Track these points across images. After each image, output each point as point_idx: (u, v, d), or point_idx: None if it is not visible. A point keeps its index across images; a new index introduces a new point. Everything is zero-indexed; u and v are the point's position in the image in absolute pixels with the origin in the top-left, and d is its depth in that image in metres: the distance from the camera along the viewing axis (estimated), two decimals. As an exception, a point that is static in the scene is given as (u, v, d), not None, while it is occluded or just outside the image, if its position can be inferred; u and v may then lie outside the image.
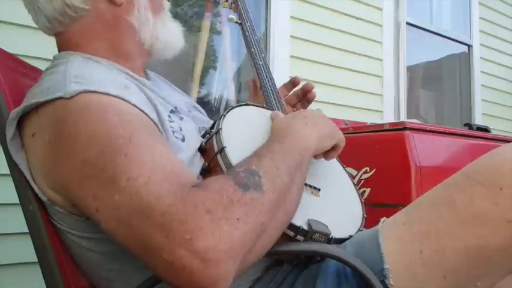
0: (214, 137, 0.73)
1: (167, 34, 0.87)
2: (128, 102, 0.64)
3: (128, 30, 0.82)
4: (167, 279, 0.52)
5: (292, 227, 0.67)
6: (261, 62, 1.05)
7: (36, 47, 1.49)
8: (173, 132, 0.74)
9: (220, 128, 0.74)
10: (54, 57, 0.80)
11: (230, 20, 1.14)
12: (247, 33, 1.10)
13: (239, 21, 1.13)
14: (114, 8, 0.80)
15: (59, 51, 0.82)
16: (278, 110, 0.93)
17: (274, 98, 0.98)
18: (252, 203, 0.54)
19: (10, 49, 0.86)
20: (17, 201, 0.73)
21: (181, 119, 0.81)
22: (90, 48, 0.79)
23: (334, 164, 0.94)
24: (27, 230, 0.73)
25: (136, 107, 0.65)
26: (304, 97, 1.09)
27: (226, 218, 0.51)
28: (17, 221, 0.95)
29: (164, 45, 0.87)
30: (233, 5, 1.17)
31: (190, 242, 0.49)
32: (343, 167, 0.95)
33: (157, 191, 0.53)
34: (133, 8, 0.82)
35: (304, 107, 1.10)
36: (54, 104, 0.63)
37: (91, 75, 0.68)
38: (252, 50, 1.07)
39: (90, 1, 0.78)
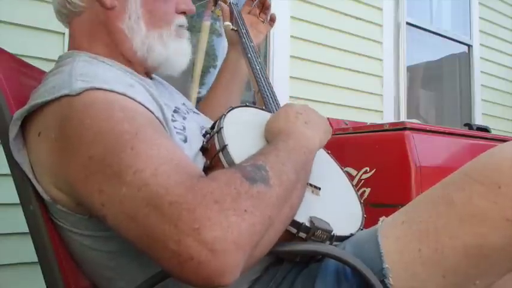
0: (215, 136, 0.74)
1: (165, 50, 0.84)
2: (133, 99, 0.65)
3: (119, 35, 0.81)
4: (174, 271, 0.51)
5: (294, 223, 0.67)
6: (258, 67, 1.06)
7: (36, 47, 1.49)
8: (176, 133, 0.74)
9: (222, 127, 0.74)
10: (59, 57, 0.81)
11: (226, 27, 1.16)
12: (243, 40, 1.12)
13: (235, 28, 1.15)
14: (106, 11, 0.81)
15: (69, 42, 0.84)
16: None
17: (272, 101, 1.00)
18: (259, 196, 0.54)
19: (10, 49, 0.87)
20: (17, 201, 0.73)
21: (184, 118, 0.82)
22: (92, 47, 0.80)
23: (331, 163, 0.95)
24: (27, 230, 0.73)
25: (142, 105, 0.65)
26: (264, 6, 1.24)
27: (234, 209, 0.51)
28: (17, 221, 0.95)
29: (163, 60, 0.85)
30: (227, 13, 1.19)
31: (198, 232, 0.49)
32: (341, 167, 0.96)
33: (165, 182, 0.53)
34: (125, 14, 0.81)
35: (266, 13, 1.24)
36: (60, 101, 0.63)
37: (97, 73, 0.69)
38: (249, 55, 1.08)
39: (88, 1, 0.80)
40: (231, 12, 1.18)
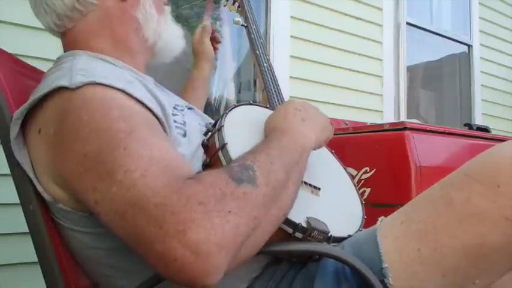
0: (216, 134, 0.74)
1: (169, 34, 0.90)
2: (130, 96, 0.65)
3: (133, 25, 0.85)
4: (160, 271, 0.52)
5: (290, 223, 0.67)
6: (265, 64, 1.08)
7: (36, 47, 1.49)
8: (176, 127, 0.75)
9: (223, 125, 0.74)
10: (58, 57, 0.81)
11: (236, 22, 1.18)
12: (252, 36, 1.14)
13: (245, 24, 1.17)
14: (121, 3, 0.83)
15: (65, 50, 0.83)
16: None
17: (277, 99, 1.00)
18: (244, 197, 0.54)
19: (10, 49, 0.87)
20: (17, 201, 0.73)
21: (183, 114, 0.82)
22: (95, 46, 0.80)
23: (334, 164, 0.95)
24: (27, 230, 0.73)
25: (140, 101, 0.66)
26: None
27: (218, 211, 0.51)
28: (17, 221, 0.95)
29: (165, 45, 0.90)
30: (239, 9, 1.20)
31: (182, 234, 0.49)
32: (344, 167, 0.95)
33: (153, 183, 0.53)
34: (139, 2, 0.85)
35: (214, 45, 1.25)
36: (60, 95, 0.64)
37: (96, 69, 0.70)
38: (257, 52, 1.10)
39: None
40: (243, 8, 1.20)
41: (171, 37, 0.91)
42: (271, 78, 1.05)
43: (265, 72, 1.07)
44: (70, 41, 0.83)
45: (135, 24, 0.85)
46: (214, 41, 1.25)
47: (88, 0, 0.80)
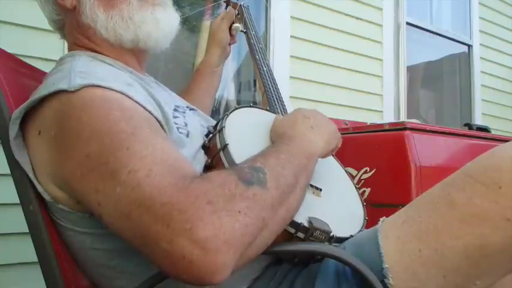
0: (217, 135, 0.75)
1: (129, 26, 0.82)
2: (130, 98, 0.65)
3: (89, 30, 0.83)
4: (166, 269, 0.52)
5: (293, 223, 0.68)
6: (265, 68, 1.09)
7: (36, 47, 1.49)
8: (178, 128, 0.75)
9: (224, 127, 0.75)
10: (60, 58, 0.82)
11: (235, 28, 1.18)
12: (251, 41, 1.15)
13: (244, 30, 1.18)
14: (72, 13, 0.84)
15: (68, 50, 0.88)
16: (281, 113, 0.96)
17: (277, 103, 1.01)
18: (254, 198, 0.55)
19: (10, 49, 0.87)
20: (17, 201, 0.73)
21: (184, 115, 0.82)
22: (87, 50, 0.83)
23: (335, 165, 0.95)
24: (27, 230, 0.73)
25: (139, 104, 0.66)
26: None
27: (227, 210, 0.51)
28: (17, 221, 0.95)
29: (134, 37, 0.83)
30: (238, 16, 1.20)
31: (190, 232, 0.49)
32: (344, 168, 0.96)
33: (158, 182, 0.53)
34: (81, 7, 0.82)
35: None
36: (59, 98, 0.64)
37: (96, 71, 0.70)
38: (257, 56, 1.11)
39: (60, 12, 0.86)
40: (242, 14, 1.20)
41: (133, 28, 0.82)
42: (271, 82, 1.07)
43: (265, 76, 1.08)
44: (68, 42, 0.88)
45: (90, 29, 0.82)
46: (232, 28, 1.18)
47: (55, 18, 0.87)
